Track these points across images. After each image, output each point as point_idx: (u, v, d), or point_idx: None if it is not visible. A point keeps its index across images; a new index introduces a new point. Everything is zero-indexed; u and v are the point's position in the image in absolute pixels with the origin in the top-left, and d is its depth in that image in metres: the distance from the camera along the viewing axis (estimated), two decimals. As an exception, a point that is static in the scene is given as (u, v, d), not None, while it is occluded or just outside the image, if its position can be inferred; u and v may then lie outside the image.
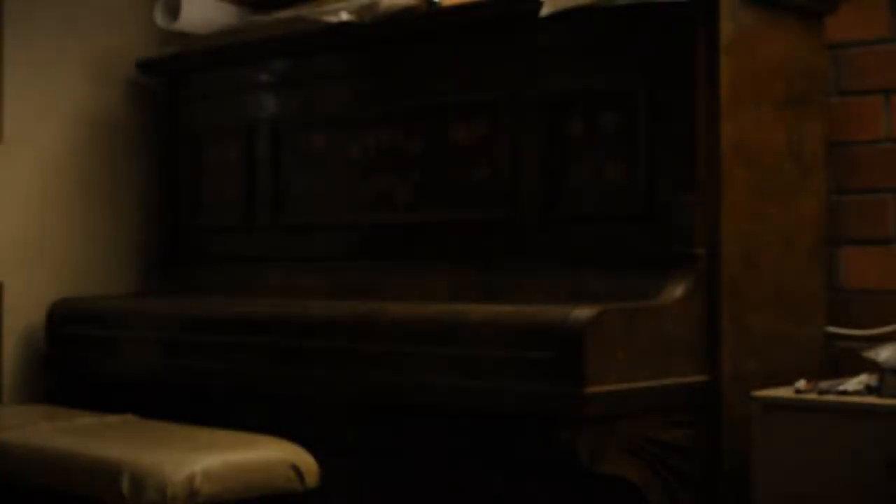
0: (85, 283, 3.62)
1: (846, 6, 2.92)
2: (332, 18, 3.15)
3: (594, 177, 2.74)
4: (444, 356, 2.54)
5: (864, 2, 2.95)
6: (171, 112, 3.67)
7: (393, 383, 2.62)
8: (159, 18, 3.58)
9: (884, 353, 2.46)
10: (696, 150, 2.58)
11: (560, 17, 2.68)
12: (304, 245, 3.32)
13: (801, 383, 2.54)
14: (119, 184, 3.71)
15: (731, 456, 2.57)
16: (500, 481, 2.73)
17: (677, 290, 2.52)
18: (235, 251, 3.49)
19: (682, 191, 2.59)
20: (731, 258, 2.60)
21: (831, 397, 2.46)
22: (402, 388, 2.61)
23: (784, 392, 2.54)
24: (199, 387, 3.09)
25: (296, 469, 2.57)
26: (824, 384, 2.53)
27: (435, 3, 3.02)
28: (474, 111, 2.94)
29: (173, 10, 3.56)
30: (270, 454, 2.57)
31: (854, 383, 2.49)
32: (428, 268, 2.99)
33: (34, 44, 3.54)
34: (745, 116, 2.65)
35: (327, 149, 3.28)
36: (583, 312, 2.33)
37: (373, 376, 2.66)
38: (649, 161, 2.65)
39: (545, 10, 2.68)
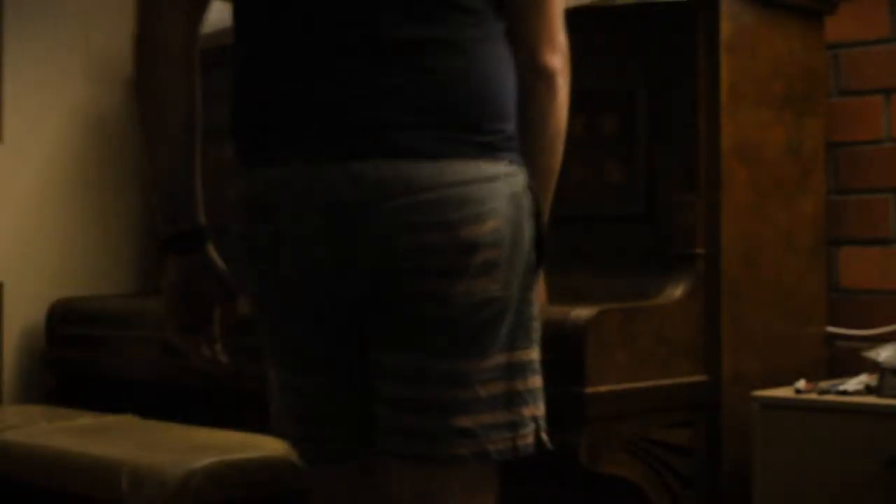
0: (85, 283, 3.61)
1: (846, 6, 2.92)
2: (333, 18, 3.14)
3: (594, 177, 2.74)
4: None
5: (864, 2, 2.95)
6: (171, 112, 3.66)
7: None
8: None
9: (884, 353, 2.46)
10: (697, 150, 2.58)
11: (560, 17, 2.67)
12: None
13: (801, 383, 2.54)
14: (119, 184, 3.71)
15: (731, 456, 2.57)
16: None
17: (677, 290, 2.51)
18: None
19: (682, 191, 2.59)
20: (731, 258, 2.60)
21: (831, 397, 2.46)
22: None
23: (784, 392, 2.54)
24: (199, 387, 3.08)
25: (296, 469, 2.57)
26: (824, 384, 2.53)
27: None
28: (474, 111, 2.94)
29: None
30: (270, 454, 2.57)
31: (854, 383, 2.49)
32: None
33: (34, 44, 3.54)
34: (745, 116, 2.65)
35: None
36: (583, 312, 2.33)
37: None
38: (649, 161, 2.65)
39: (545, 10, 2.68)
